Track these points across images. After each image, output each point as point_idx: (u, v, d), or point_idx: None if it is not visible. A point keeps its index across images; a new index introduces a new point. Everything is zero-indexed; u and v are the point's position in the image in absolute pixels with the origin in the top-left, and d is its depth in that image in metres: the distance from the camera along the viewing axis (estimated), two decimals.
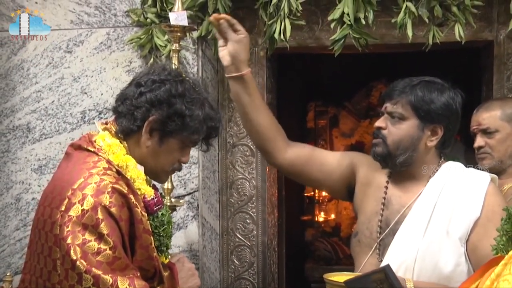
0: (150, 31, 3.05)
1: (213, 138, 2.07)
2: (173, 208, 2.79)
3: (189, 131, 1.92)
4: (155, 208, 1.93)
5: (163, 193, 2.15)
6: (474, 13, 2.78)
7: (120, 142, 1.92)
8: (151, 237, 1.86)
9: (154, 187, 2.01)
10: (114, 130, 1.94)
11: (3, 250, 3.21)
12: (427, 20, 2.73)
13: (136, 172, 1.89)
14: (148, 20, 3.05)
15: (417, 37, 2.84)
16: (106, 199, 1.74)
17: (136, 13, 3.08)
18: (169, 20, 2.78)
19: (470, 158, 2.72)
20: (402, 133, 2.23)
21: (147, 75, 1.95)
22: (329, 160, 2.48)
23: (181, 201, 2.97)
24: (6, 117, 3.21)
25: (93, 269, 1.69)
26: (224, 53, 2.37)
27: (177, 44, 2.80)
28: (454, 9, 2.72)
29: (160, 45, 3.03)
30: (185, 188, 3.10)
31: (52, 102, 3.17)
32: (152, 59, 3.05)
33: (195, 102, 1.92)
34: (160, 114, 1.88)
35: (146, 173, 1.96)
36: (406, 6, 2.69)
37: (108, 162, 1.85)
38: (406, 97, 2.23)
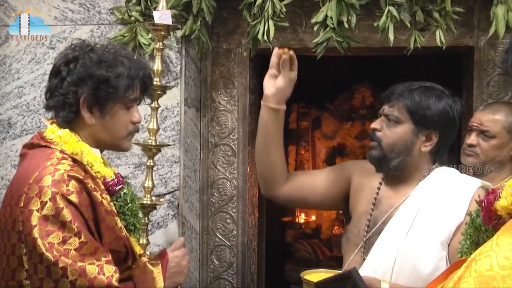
0: (134, 29, 3.05)
1: (150, 86, 2.08)
2: (153, 206, 2.78)
3: (122, 90, 1.93)
4: (116, 188, 1.94)
5: (128, 181, 2.14)
6: (455, 19, 2.80)
7: (70, 131, 1.93)
8: (116, 218, 1.87)
9: (117, 175, 2.01)
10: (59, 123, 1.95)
11: None
12: (408, 25, 2.74)
13: (92, 156, 1.90)
14: (132, 18, 3.05)
15: (399, 41, 2.87)
16: (63, 188, 1.75)
17: (121, 11, 3.08)
18: (153, 18, 2.77)
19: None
20: (396, 136, 2.25)
21: (59, 60, 1.96)
22: (323, 184, 2.51)
23: (161, 199, 2.96)
24: None
25: (62, 258, 1.69)
26: (271, 84, 2.38)
27: (160, 43, 2.80)
28: (436, 14, 2.75)
29: (144, 44, 3.03)
30: (165, 187, 3.10)
31: (34, 98, 3.16)
32: (135, 57, 3.05)
33: (112, 63, 1.93)
34: (88, 89, 1.89)
35: (107, 148, 1.99)
36: (389, 10, 2.71)
37: (62, 152, 1.86)
38: (403, 100, 2.24)
